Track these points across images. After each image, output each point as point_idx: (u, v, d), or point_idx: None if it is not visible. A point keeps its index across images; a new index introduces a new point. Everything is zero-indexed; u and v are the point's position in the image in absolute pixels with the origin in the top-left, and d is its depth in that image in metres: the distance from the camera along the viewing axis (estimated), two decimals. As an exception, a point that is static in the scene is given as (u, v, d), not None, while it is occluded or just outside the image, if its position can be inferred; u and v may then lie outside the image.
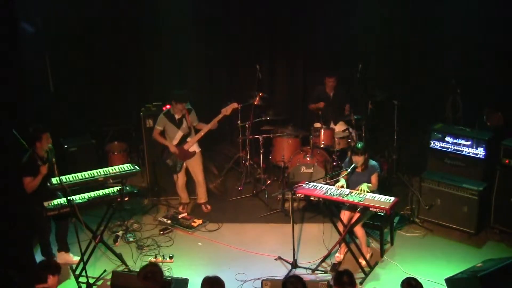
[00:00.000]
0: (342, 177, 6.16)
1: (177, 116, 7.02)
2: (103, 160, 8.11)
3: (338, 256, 6.25)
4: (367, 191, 5.86)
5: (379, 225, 6.31)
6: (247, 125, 7.82)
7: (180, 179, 7.28)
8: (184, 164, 7.20)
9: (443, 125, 7.47)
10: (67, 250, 6.30)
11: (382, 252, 6.36)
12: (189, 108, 7.11)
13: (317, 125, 7.78)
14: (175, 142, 7.09)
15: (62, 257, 6.23)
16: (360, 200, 5.71)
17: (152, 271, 4.49)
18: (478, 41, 7.84)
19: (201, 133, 7.10)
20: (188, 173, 7.34)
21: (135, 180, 7.76)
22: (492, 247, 6.48)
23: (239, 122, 7.93)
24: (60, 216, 5.76)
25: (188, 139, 7.10)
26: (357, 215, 5.96)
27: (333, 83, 7.91)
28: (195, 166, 7.24)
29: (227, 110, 7.10)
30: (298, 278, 4.45)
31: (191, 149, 7.14)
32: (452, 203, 6.68)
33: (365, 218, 6.13)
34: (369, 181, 6.12)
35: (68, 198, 5.54)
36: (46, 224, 6.01)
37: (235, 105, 7.16)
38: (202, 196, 7.45)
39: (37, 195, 5.77)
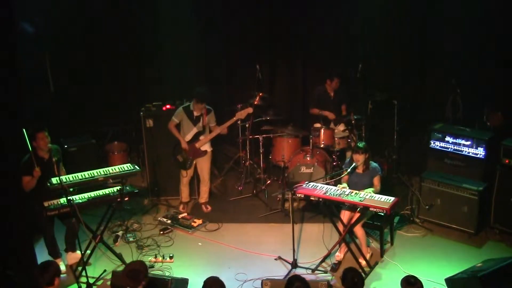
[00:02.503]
0: (344, 182, 6.19)
1: (195, 114, 7.05)
2: (103, 160, 8.11)
3: (338, 255, 6.25)
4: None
5: (379, 225, 6.31)
6: (247, 125, 7.82)
7: (188, 175, 7.30)
8: (194, 161, 7.23)
9: (443, 125, 7.47)
10: (73, 249, 6.19)
11: (382, 252, 6.36)
12: (209, 109, 7.12)
13: (317, 125, 7.78)
14: (188, 138, 7.11)
15: (69, 257, 6.18)
16: (360, 200, 5.71)
17: (137, 270, 4.38)
18: (478, 41, 7.84)
19: (213, 134, 7.14)
20: (193, 171, 7.34)
21: (135, 180, 7.77)
22: (492, 247, 6.47)
23: (239, 122, 7.93)
24: (63, 216, 5.76)
25: (201, 137, 7.11)
26: (357, 215, 5.96)
27: (338, 84, 7.91)
28: (204, 165, 7.27)
29: (241, 114, 7.12)
30: (303, 281, 4.37)
31: (202, 148, 7.15)
32: (452, 203, 6.68)
33: (365, 218, 6.13)
34: (370, 183, 6.14)
35: (68, 198, 5.53)
36: (47, 224, 5.96)
37: (250, 110, 7.17)
38: (203, 195, 7.46)
39: (37, 195, 5.75)
